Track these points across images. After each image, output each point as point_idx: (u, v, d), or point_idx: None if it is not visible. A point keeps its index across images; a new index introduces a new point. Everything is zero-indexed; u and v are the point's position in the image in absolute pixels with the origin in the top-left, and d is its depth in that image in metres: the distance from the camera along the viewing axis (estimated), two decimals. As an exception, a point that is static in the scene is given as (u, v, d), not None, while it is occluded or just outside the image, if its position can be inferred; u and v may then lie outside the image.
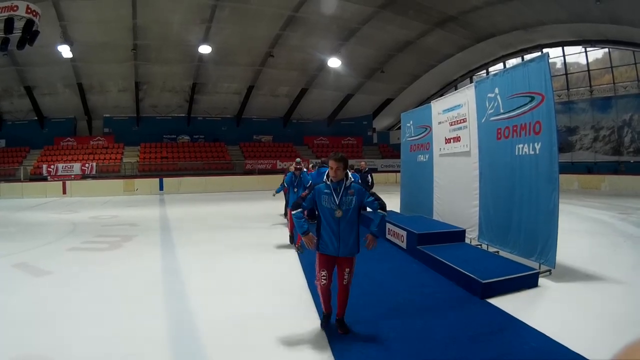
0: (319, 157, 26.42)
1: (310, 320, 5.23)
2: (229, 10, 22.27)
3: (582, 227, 11.84)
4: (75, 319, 5.26)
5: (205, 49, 24.73)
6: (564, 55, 26.95)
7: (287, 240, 10.08)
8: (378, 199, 4.71)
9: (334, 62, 27.13)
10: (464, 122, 9.43)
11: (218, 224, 13.37)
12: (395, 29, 24.78)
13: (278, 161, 30.02)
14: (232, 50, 25.61)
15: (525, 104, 7.46)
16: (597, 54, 25.82)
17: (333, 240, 4.58)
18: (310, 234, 4.64)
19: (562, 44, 26.38)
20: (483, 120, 8.62)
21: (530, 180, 7.33)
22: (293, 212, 4.73)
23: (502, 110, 8.02)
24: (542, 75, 7.12)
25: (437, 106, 10.85)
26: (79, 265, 8.06)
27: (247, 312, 5.56)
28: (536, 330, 4.94)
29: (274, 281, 7.04)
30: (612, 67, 25.13)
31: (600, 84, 25.68)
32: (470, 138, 9.15)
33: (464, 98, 9.41)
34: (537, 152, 7.20)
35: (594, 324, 5.19)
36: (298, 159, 10.18)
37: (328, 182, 4.63)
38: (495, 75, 8.71)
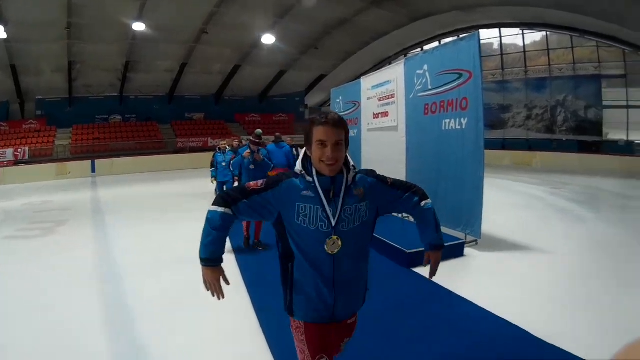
0: (250, 134, 26.10)
1: (242, 297, 5.41)
2: (164, -13, 21.84)
3: (512, 201, 12.56)
4: (11, 309, 5.25)
5: (139, 27, 24.15)
6: (500, 37, 28.00)
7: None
8: (412, 187, 2.56)
9: (268, 39, 27.14)
10: (392, 97, 9.76)
11: (151, 204, 13.53)
12: (332, 6, 24.81)
13: (209, 139, 30.18)
14: (167, 28, 25.04)
15: (453, 81, 7.82)
16: (535, 36, 26.94)
17: (324, 296, 2.31)
18: (220, 269, 2.34)
19: (500, 25, 27.30)
20: (411, 96, 8.97)
21: (456, 154, 7.69)
22: (210, 209, 2.30)
23: (430, 87, 8.37)
24: (471, 54, 7.43)
25: (367, 82, 11.17)
26: (12, 254, 8.05)
27: (183, 289, 5.69)
28: (462, 297, 5.25)
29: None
30: (548, 49, 26.29)
31: (536, 65, 26.89)
32: (398, 113, 9.51)
33: (394, 74, 9.72)
34: (464, 127, 7.55)
35: (518, 291, 5.59)
36: (259, 131, 8.65)
37: (309, 178, 2.28)
38: (425, 52, 9.08)
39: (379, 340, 4.28)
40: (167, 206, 12.74)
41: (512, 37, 27.63)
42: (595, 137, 23.97)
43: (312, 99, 37.66)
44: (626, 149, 22.46)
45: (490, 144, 24.94)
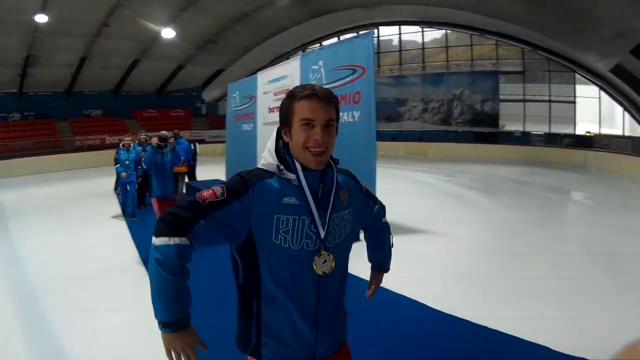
0: (148, 130, 25.47)
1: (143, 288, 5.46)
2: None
3: (408, 189, 13.44)
4: None
5: (41, 18, 23.00)
6: (399, 34, 29.59)
7: (118, 211, 10.55)
8: (376, 198, 2.41)
9: (169, 33, 26.68)
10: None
11: (53, 204, 12.95)
12: (235, 1, 24.91)
13: (107, 136, 29.20)
14: (69, 20, 23.75)
15: (347, 76, 8.32)
16: (436, 34, 28.74)
17: (303, 333, 1.78)
18: (192, 330, 1.66)
19: (401, 23, 28.72)
20: (306, 91, 9.25)
21: (349, 145, 8.10)
22: (156, 243, 1.58)
23: (324, 81, 8.78)
24: (365, 51, 7.96)
25: (263, 77, 11.53)
26: None
27: (90, 288, 5.74)
28: (359, 277, 5.59)
29: (111, 255, 7.34)
30: (447, 46, 28.20)
31: (435, 61, 28.65)
32: (292, 107, 9.79)
33: (290, 70, 10.14)
34: (356, 119, 8.06)
35: (414, 271, 6.04)
36: (163, 132, 7.88)
37: (291, 175, 1.75)
38: (321, 48, 9.54)
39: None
40: (70, 207, 12.30)
41: (413, 34, 29.21)
42: (492, 128, 26.13)
43: (209, 94, 37.23)
44: (522, 139, 24.69)
45: (387, 136, 26.69)
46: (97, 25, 25.21)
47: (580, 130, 23.28)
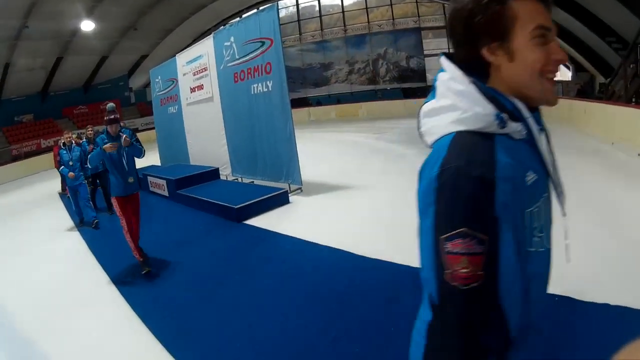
0: (80, 127, 25.17)
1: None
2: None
3: (337, 150, 14.13)
4: None
5: None
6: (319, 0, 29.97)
7: (69, 221, 9.60)
8: None
9: (88, 25, 26.27)
10: (205, 71, 10.72)
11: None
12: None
13: (42, 140, 28.67)
14: None
15: (257, 49, 8.92)
16: None
17: None
18: None
19: (319, -12, 29.23)
20: (222, 67, 9.98)
21: (266, 114, 8.84)
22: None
23: (237, 56, 9.41)
24: (271, 23, 8.55)
25: (182, 59, 11.99)
26: None
27: (50, 297, 5.47)
28: (288, 236, 6.30)
29: (70, 279, 6.99)
30: (367, 8, 28.88)
31: (356, 23, 29.25)
32: (211, 85, 10.50)
33: (205, 49, 10.67)
34: (270, 89, 8.69)
35: (340, 223, 6.66)
36: (111, 104, 6.56)
37: (512, 126, 1.03)
38: (231, 25, 10.10)
39: (211, 284, 5.04)
40: (14, 218, 11.18)
41: (332, -1, 29.68)
42: (420, 83, 27.11)
43: (136, 82, 36.74)
44: (452, 91, 25.27)
45: (315, 101, 27.81)
46: (16, 28, 24.68)
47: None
